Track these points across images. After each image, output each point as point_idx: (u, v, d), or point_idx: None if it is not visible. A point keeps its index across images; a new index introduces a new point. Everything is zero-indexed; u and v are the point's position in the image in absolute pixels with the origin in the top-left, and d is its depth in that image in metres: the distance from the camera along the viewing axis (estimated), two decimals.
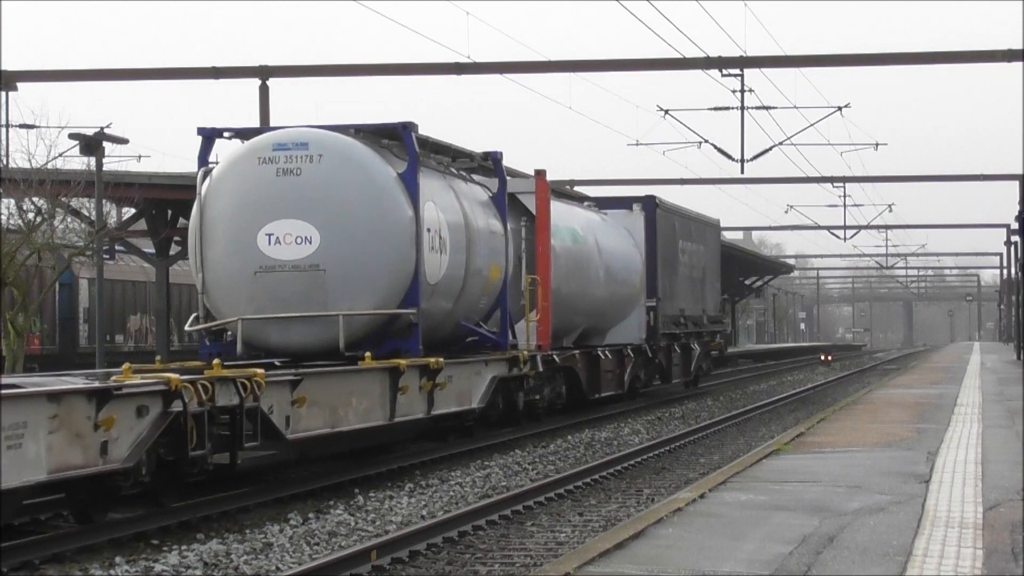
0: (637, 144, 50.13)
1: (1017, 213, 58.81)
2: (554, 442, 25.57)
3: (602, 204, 35.49)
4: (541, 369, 26.13)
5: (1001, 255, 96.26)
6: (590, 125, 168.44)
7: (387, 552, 13.47)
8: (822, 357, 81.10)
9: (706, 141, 44.38)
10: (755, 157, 42.01)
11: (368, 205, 20.38)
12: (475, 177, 24.90)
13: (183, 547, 14.05)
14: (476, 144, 26.64)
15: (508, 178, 25.85)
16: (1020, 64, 31.06)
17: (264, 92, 32.13)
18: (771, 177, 62.18)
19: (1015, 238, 70.79)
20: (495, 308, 24.38)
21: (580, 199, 36.65)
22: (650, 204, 35.72)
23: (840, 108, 43.48)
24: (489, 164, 24.81)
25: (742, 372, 64.44)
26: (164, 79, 36.93)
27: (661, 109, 43.45)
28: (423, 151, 21.95)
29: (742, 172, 42.25)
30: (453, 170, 23.89)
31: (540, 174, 27.55)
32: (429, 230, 21.22)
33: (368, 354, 19.43)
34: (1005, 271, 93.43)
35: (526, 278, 26.40)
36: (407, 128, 21.17)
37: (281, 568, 13.23)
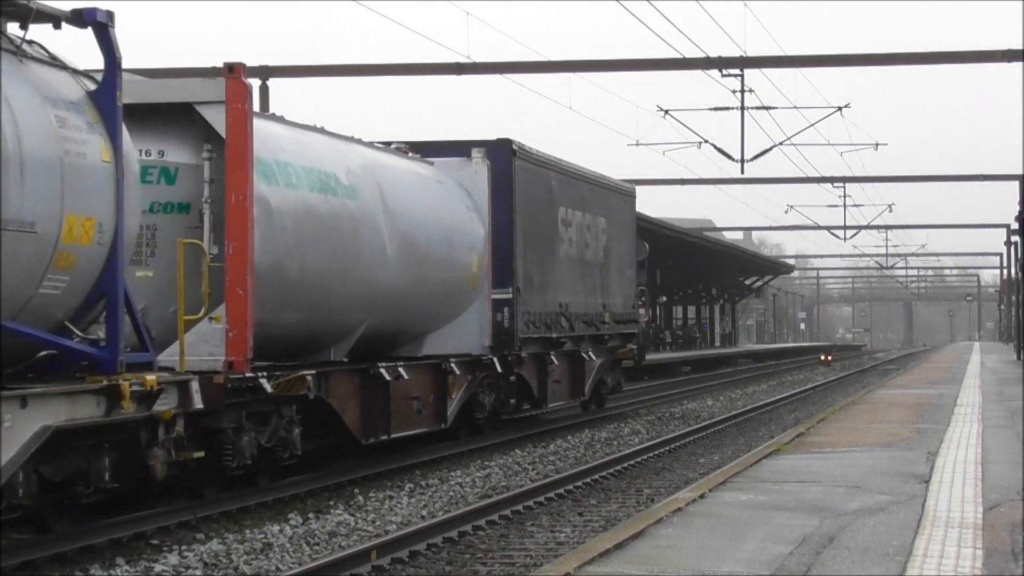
0: (637, 144, 50.26)
1: (1017, 213, 58.88)
2: (554, 442, 25.58)
3: (424, 149, 23.70)
4: (200, 406, 14.68)
5: (1001, 255, 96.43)
6: (590, 125, 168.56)
7: (387, 552, 13.48)
8: (822, 357, 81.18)
9: (706, 141, 44.49)
10: (755, 157, 42.08)
11: None
12: (70, 64, 13.65)
13: (183, 547, 14.06)
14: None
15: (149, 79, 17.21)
16: (1020, 64, 31.08)
17: (264, 92, 32.15)
18: (771, 177, 62.36)
19: (1015, 238, 70.86)
20: (97, 298, 13.38)
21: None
22: (502, 151, 24.90)
23: (840, 108, 43.57)
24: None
25: (742, 372, 64.53)
26: (164, 79, 36.90)
27: (661, 109, 43.56)
28: None
29: (742, 172, 42.38)
30: None
31: (234, 71, 16.59)
32: None
33: None
34: (1005, 271, 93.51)
35: (189, 244, 15.70)
36: None
37: (281, 568, 13.23)
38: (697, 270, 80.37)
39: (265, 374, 16.91)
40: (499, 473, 20.76)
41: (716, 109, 42.66)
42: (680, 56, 33.28)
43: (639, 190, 36.51)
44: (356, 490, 18.37)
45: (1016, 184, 60.42)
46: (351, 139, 20.86)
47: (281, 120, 18.78)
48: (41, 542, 13.51)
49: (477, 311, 23.61)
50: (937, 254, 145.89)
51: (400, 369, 20.69)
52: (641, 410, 34.99)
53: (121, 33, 14.17)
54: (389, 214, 20.51)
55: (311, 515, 16.29)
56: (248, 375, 16.46)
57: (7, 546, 12.98)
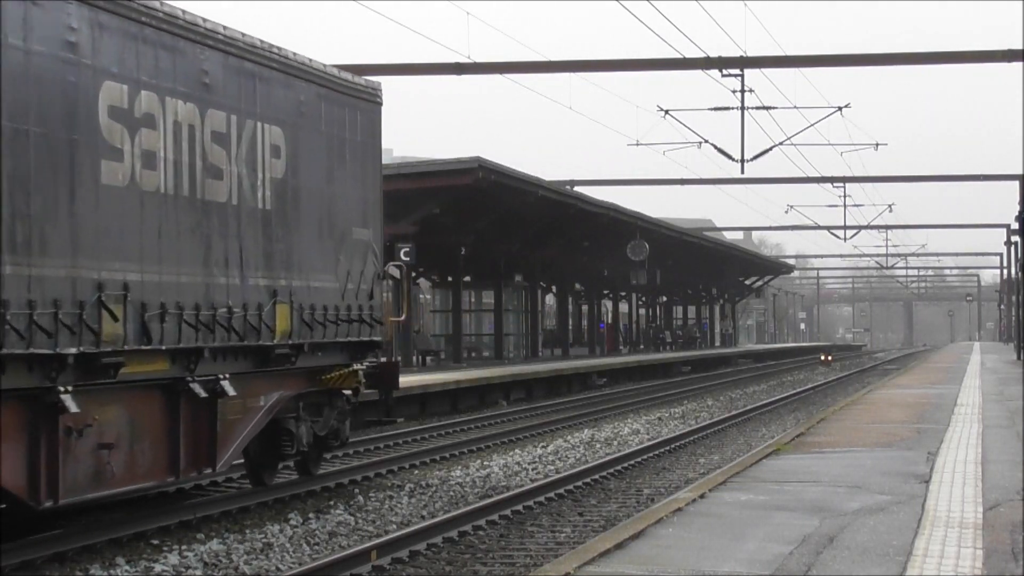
0: (637, 144, 50.31)
1: (1017, 213, 58.88)
2: (554, 442, 25.59)
3: None
4: None
5: (1001, 255, 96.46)
6: (590, 125, 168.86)
7: (387, 552, 13.47)
8: (822, 357, 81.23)
9: (706, 141, 44.53)
10: (755, 157, 42.10)
11: None
12: None
13: (183, 547, 14.05)
14: (475, 146, 25.62)
15: None
16: (1020, 64, 31.08)
17: None
18: (771, 177, 62.46)
19: (1015, 238, 70.89)
20: None
21: None
22: None
23: (840, 108, 43.59)
24: None
25: (742, 372, 64.55)
26: None
27: (661, 109, 43.59)
28: None
29: (742, 172, 42.43)
30: None
31: None
32: None
33: None
34: (1005, 271, 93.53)
35: None
36: None
37: (281, 568, 13.24)
38: (697, 270, 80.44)
39: None
40: (499, 473, 20.76)
41: (716, 109, 42.71)
42: (680, 56, 33.28)
43: (639, 190, 36.78)
44: (356, 490, 18.37)
45: (1016, 184, 60.45)
46: None
47: None
48: (41, 542, 13.52)
49: None
50: (937, 254, 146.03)
51: None
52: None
53: None
54: None
55: (311, 515, 16.29)
56: None
57: (7, 547, 12.98)
